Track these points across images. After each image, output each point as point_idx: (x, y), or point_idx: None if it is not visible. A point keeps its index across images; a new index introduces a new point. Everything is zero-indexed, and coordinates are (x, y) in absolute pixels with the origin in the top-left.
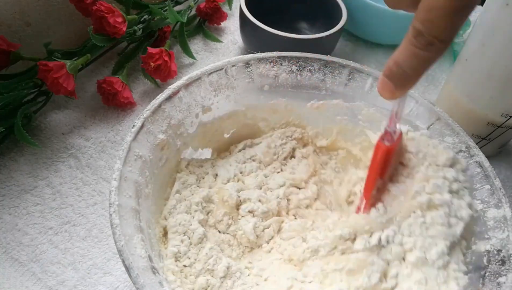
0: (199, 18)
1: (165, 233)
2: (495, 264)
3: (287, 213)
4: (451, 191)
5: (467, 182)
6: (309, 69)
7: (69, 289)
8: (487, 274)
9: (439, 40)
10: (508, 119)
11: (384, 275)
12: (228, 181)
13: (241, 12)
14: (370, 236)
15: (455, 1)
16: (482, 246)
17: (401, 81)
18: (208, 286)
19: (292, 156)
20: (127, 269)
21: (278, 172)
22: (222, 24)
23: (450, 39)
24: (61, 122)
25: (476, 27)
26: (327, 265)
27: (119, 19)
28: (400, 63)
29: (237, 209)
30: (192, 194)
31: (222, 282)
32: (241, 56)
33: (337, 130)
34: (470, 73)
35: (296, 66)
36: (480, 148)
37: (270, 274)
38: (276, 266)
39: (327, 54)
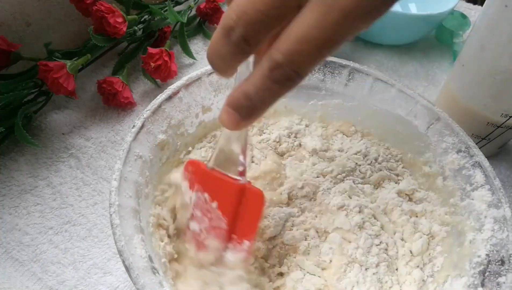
0: (199, 18)
1: None
2: (495, 264)
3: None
4: None
5: None
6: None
7: (69, 289)
8: (487, 274)
9: (298, 75)
10: (508, 119)
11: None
12: None
13: None
14: None
15: (331, 34)
16: (481, 246)
17: (248, 113)
18: None
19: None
20: (127, 269)
21: None
22: None
23: (307, 74)
24: (61, 122)
25: (475, 27)
26: None
27: (119, 19)
28: (250, 96)
29: None
30: None
31: None
32: None
33: None
34: (470, 73)
35: None
36: (480, 148)
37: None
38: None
39: None
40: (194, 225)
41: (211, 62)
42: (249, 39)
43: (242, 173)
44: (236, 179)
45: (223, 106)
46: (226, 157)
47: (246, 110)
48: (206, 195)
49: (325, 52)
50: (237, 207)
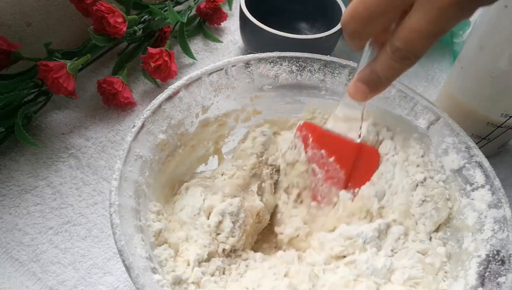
0: (199, 18)
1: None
2: (495, 264)
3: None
4: None
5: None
6: (309, 69)
7: (69, 289)
8: (487, 274)
9: (414, 56)
10: (507, 119)
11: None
12: None
13: (241, 12)
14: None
15: (434, 26)
16: (481, 246)
17: (375, 86)
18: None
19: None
20: (128, 269)
21: None
22: (222, 24)
23: (422, 55)
24: (61, 122)
25: (475, 28)
26: None
27: (119, 19)
28: (377, 72)
29: None
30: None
31: None
32: (241, 56)
33: None
34: (469, 73)
35: (296, 66)
36: (480, 148)
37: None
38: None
39: (327, 54)
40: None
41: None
42: (359, 32)
43: (359, 136)
44: (352, 139)
45: (353, 82)
46: (342, 123)
47: (374, 83)
48: (323, 151)
49: (432, 39)
50: (354, 162)
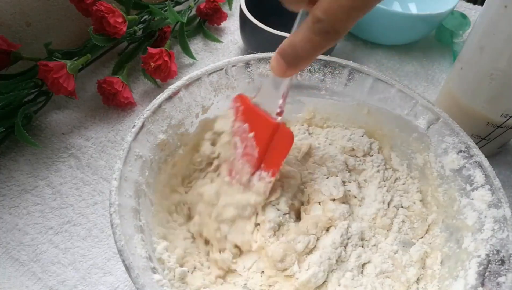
0: (199, 18)
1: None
2: (495, 264)
3: None
4: None
5: None
6: (309, 69)
7: (69, 288)
8: (487, 274)
9: (335, 30)
10: (507, 119)
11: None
12: None
13: (241, 13)
14: None
15: (356, 0)
16: (481, 246)
17: (294, 61)
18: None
19: None
20: (128, 269)
21: None
22: (222, 24)
23: (344, 31)
24: (62, 122)
25: (475, 28)
26: None
27: (119, 19)
28: (295, 45)
29: None
30: None
31: None
32: (241, 56)
33: None
34: (469, 73)
35: None
36: (480, 148)
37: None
38: None
39: (327, 54)
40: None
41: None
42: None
43: (279, 114)
44: (273, 118)
45: (274, 54)
46: (268, 98)
47: (292, 58)
48: (246, 125)
49: (354, 14)
50: (269, 141)
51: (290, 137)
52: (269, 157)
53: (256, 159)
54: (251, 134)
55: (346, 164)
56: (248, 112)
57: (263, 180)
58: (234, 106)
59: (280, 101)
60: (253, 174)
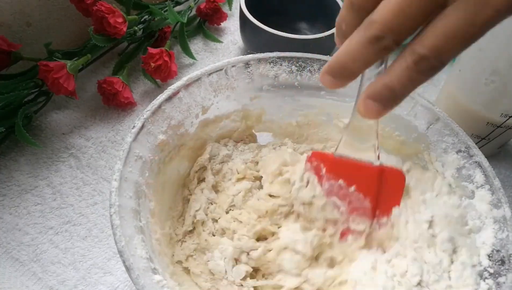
0: (199, 18)
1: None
2: (495, 264)
3: None
4: None
5: None
6: (309, 69)
7: (70, 288)
8: (487, 274)
9: (442, 64)
10: (507, 119)
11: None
12: None
13: (241, 13)
14: None
15: (480, 31)
16: (481, 246)
17: (391, 103)
18: None
19: None
20: (128, 270)
21: None
22: (222, 24)
23: (450, 61)
24: (62, 122)
25: None
26: None
27: (120, 20)
28: (393, 87)
29: None
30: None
31: None
32: (241, 56)
33: None
34: (469, 74)
35: (296, 66)
36: (479, 148)
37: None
38: None
39: (327, 54)
40: (333, 213)
41: (341, 68)
42: (399, 41)
43: (378, 157)
44: (371, 162)
45: (362, 98)
46: (356, 144)
47: (388, 100)
48: (341, 181)
49: (469, 43)
50: (378, 187)
51: (400, 174)
52: (383, 202)
53: (370, 209)
54: (352, 188)
55: None
56: (337, 167)
57: (385, 227)
58: (312, 166)
59: (376, 142)
60: (370, 225)
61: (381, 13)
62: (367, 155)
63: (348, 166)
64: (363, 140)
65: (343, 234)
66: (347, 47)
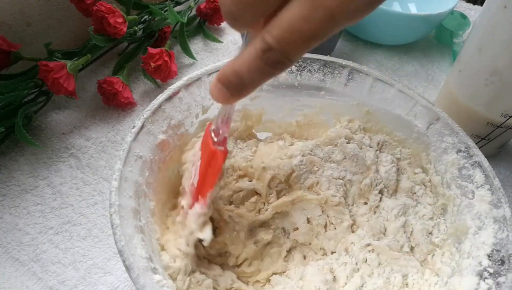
0: (199, 18)
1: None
2: (495, 264)
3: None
4: None
5: None
6: (309, 69)
7: (70, 288)
8: (487, 274)
9: (289, 60)
10: (507, 119)
11: None
12: None
13: None
14: None
15: (317, 29)
16: (481, 246)
17: (238, 91)
18: None
19: None
20: (128, 270)
21: None
22: (222, 24)
23: (297, 60)
24: (62, 122)
25: (475, 28)
26: None
27: (120, 20)
28: (241, 75)
29: None
30: None
31: None
32: None
33: None
34: (469, 73)
35: (295, 66)
36: (479, 148)
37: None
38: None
39: (327, 54)
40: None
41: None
42: (236, 16)
43: (219, 143)
44: (214, 143)
45: (214, 80)
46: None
47: (236, 87)
48: (199, 153)
49: (312, 43)
50: (206, 169)
51: (218, 154)
52: (202, 184)
53: (195, 189)
54: (198, 163)
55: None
56: (204, 139)
57: (195, 214)
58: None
59: (221, 126)
60: (191, 206)
61: None
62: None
63: (205, 141)
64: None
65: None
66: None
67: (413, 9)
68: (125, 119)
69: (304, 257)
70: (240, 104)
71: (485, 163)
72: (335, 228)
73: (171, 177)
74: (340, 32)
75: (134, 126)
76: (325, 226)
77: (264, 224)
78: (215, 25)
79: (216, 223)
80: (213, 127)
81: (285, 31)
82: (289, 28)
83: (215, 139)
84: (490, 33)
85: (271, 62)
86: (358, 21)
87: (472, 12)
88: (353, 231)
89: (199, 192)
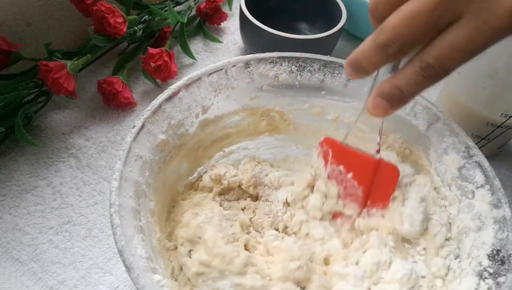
0: (199, 18)
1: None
2: (495, 264)
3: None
4: None
5: None
6: (309, 70)
7: (70, 288)
8: (487, 274)
9: (445, 72)
10: (507, 119)
11: None
12: None
13: (241, 13)
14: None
15: (477, 45)
16: (481, 246)
17: (397, 102)
18: None
19: None
20: (128, 270)
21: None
22: (222, 24)
23: (454, 70)
24: (62, 122)
25: None
26: None
27: (120, 20)
28: (401, 88)
29: None
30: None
31: None
32: (241, 56)
33: None
34: (469, 74)
35: (296, 66)
36: (479, 148)
37: None
38: None
39: (327, 54)
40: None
41: (356, 65)
42: (405, 51)
43: (378, 151)
44: (372, 155)
45: (372, 97)
46: (361, 137)
47: (396, 99)
48: (341, 167)
49: (469, 57)
50: (372, 179)
51: (395, 170)
52: (375, 194)
53: (361, 198)
54: (350, 175)
55: None
56: (341, 154)
57: (372, 216)
58: (321, 150)
59: (378, 139)
60: (359, 213)
61: (391, 22)
62: (369, 149)
63: (350, 155)
64: (367, 136)
65: (335, 216)
66: (362, 47)
67: None
68: (125, 119)
69: None
70: (240, 104)
71: (485, 163)
72: None
73: (171, 177)
74: (340, 32)
75: (134, 126)
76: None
77: None
78: (215, 25)
79: None
80: (346, 141)
81: (446, 50)
82: (451, 47)
83: (378, 148)
84: None
85: (429, 76)
86: None
87: None
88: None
89: (371, 199)
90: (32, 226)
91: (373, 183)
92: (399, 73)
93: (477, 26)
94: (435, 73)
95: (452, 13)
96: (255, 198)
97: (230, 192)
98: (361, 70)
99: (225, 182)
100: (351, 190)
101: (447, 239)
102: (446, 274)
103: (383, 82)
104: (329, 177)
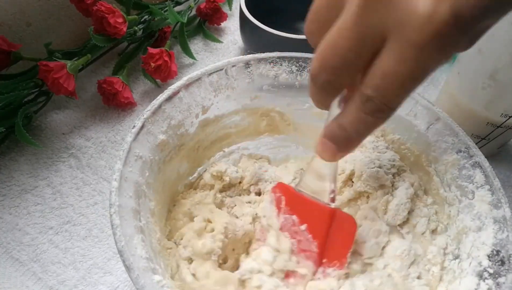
0: (199, 18)
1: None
2: (495, 264)
3: None
4: None
5: None
6: (309, 69)
7: (70, 288)
8: (487, 274)
9: (389, 108)
10: (507, 119)
11: None
12: None
13: (241, 13)
14: None
15: (412, 69)
16: (481, 246)
17: (345, 144)
18: None
19: None
20: (128, 270)
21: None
22: (222, 24)
23: (399, 105)
24: (62, 122)
25: None
26: None
27: (120, 20)
28: (345, 127)
29: None
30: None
31: None
32: (241, 56)
33: None
34: (469, 73)
35: (296, 66)
36: (479, 148)
37: None
38: None
39: None
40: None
41: (312, 99)
42: (337, 82)
43: (333, 200)
44: (327, 204)
45: (319, 138)
46: (315, 183)
47: (342, 140)
48: (294, 217)
49: (408, 85)
50: (328, 231)
51: (352, 222)
52: (331, 249)
53: (316, 254)
54: (303, 226)
55: None
56: (294, 201)
57: (328, 277)
58: (274, 197)
59: (331, 185)
60: (314, 273)
61: (318, 49)
62: (324, 196)
63: (304, 203)
64: (321, 181)
65: (287, 275)
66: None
67: None
68: (125, 119)
69: None
70: (240, 104)
71: (485, 163)
72: None
73: (171, 177)
74: None
75: (134, 126)
76: None
77: None
78: (215, 25)
79: None
80: (299, 187)
81: (379, 78)
82: (383, 74)
83: (332, 197)
84: (491, 33)
85: (370, 112)
86: (453, 55)
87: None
88: None
89: (326, 255)
90: (32, 226)
91: (329, 235)
92: (344, 110)
93: (401, 45)
94: (377, 108)
95: (376, 30)
96: (258, 193)
97: (231, 189)
98: (317, 106)
99: (227, 179)
100: (305, 245)
101: (437, 232)
102: (443, 262)
103: (329, 121)
104: (281, 229)
